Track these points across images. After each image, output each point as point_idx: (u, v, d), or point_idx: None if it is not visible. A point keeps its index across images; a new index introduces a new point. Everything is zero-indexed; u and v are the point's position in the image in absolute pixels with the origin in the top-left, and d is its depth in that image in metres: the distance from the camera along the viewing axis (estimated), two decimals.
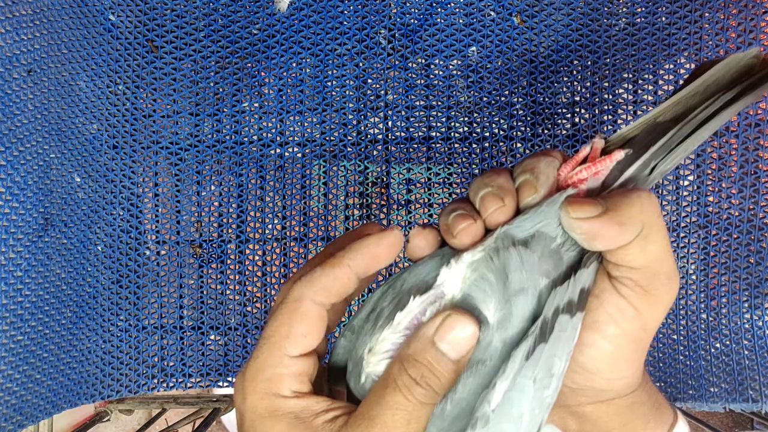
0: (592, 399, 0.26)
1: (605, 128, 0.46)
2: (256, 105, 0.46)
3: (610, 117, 0.46)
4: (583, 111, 0.46)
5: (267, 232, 0.47)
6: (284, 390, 0.24)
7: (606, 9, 0.45)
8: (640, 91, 0.46)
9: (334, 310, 0.26)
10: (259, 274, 0.47)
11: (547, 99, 0.46)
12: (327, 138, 0.46)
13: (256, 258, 0.47)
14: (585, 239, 0.23)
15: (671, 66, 0.45)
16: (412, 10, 0.46)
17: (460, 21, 0.46)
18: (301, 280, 0.24)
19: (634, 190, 0.23)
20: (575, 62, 0.45)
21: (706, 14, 0.44)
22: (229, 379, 0.47)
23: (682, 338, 0.46)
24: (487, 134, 0.46)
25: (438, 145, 0.47)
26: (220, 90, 0.46)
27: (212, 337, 0.47)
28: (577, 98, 0.46)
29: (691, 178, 0.46)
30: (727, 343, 0.46)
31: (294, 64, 0.46)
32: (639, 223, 0.22)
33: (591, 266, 0.24)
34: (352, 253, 0.24)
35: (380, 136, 0.46)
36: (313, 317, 0.24)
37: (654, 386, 0.27)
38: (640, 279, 0.23)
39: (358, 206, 0.47)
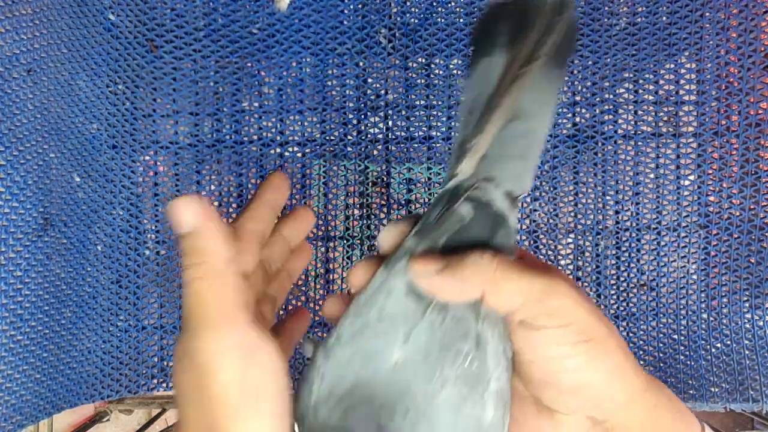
0: (614, 406, 0.27)
1: (606, 128, 0.46)
2: (256, 104, 0.46)
3: (610, 117, 0.46)
4: (583, 111, 0.46)
5: None
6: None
7: (607, 8, 0.45)
8: (640, 91, 0.46)
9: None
10: None
11: None
12: (327, 138, 0.46)
13: None
14: (432, 292, 0.26)
15: (672, 66, 0.45)
16: (413, 9, 0.46)
17: (461, 20, 0.46)
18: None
19: (473, 253, 0.26)
20: (576, 62, 0.45)
21: (707, 14, 0.44)
22: None
23: (682, 338, 0.46)
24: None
25: (438, 145, 0.46)
26: (220, 89, 0.46)
27: None
28: (578, 98, 0.46)
29: (692, 177, 0.46)
30: (728, 343, 0.46)
31: (294, 64, 0.46)
32: (475, 280, 0.25)
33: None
34: (258, 189, 0.34)
35: (380, 136, 0.46)
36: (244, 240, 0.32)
37: (675, 396, 0.28)
38: (529, 309, 0.26)
39: (358, 206, 0.47)
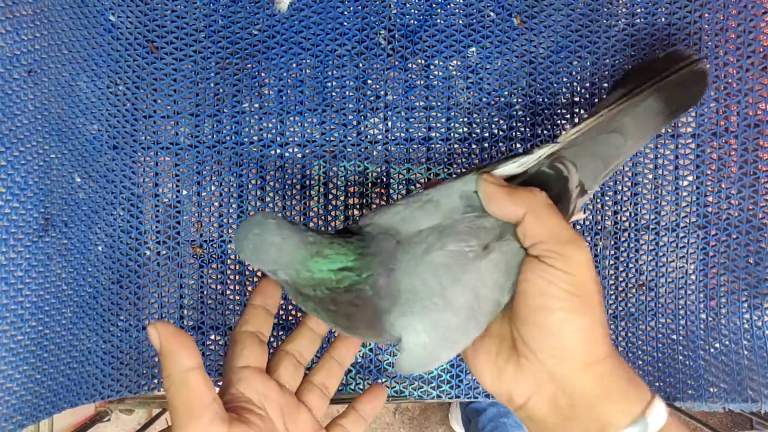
0: (572, 365, 0.30)
1: None
2: (257, 105, 0.46)
3: None
4: (582, 111, 0.46)
5: None
6: (232, 390, 0.36)
7: (606, 9, 0.45)
8: None
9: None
10: (259, 274, 0.47)
11: (546, 99, 0.46)
12: (327, 138, 0.47)
13: None
14: (483, 198, 0.32)
15: None
16: (412, 10, 0.46)
17: (460, 22, 0.46)
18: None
19: (531, 187, 0.32)
20: (575, 63, 0.45)
21: (706, 15, 0.44)
22: None
23: (681, 338, 0.46)
24: (487, 135, 0.46)
25: (438, 146, 0.47)
26: (221, 90, 0.46)
27: (212, 337, 0.47)
28: (577, 99, 0.46)
29: (690, 178, 0.46)
30: (726, 343, 0.46)
31: (294, 65, 0.46)
32: (523, 204, 0.31)
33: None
34: (251, 296, 0.39)
35: (380, 137, 0.47)
36: (243, 339, 0.38)
37: (630, 368, 0.32)
38: (551, 247, 0.30)
39: (358, 206, 0.47)
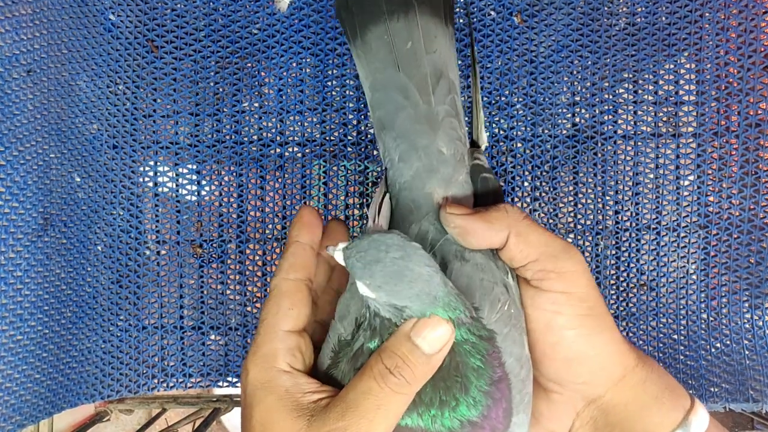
0: (605, 385, 0.28)
1: (605, 128, 0.46)
2: (256, 105, 0.46)
3: (610, 117, 0.46)
4: (583, 111, 0.46)
5: (267, 231, 0.47)
6: (280, 363, 0.26)
7: (606, 9, 0.45)
8: (640, 91, 0.46)
9: (324, 299, 0.30)
10: (259, 274, 0.47)
11: (547, 99, 0.46)
12: (327, 138, 0.46)
13: (257, 258, 0.47)
14: (459, 233, 0.27)
15: (671, 66, 0.45)
16: None
17: (461, 20, 0.46)
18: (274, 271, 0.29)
19: (500, 204, 0.28)
20: (575, 62, 0.45)
21: (707, 14, 0.44)
22: (229, 379, 0.47)
23: (682, 338, 0.46)
24: (487, 134, 0.46)
25: None
26: (220, 90, 0.46)
27: (212, 337, 0.47)
28: (577, 98, 0.46)
29: (691, 178, 0.46)
30: (728, 343, 0.46)
31: (294, 64, 0.46)
32: (503, 227, 0.27)
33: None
34: (293, 229, 0.30)
35: None
36: (292, 292, 0.28)
37: (666, 372, 0.29)
38: (543, 265, 0.27)
39: (358, 206, 0.47)
